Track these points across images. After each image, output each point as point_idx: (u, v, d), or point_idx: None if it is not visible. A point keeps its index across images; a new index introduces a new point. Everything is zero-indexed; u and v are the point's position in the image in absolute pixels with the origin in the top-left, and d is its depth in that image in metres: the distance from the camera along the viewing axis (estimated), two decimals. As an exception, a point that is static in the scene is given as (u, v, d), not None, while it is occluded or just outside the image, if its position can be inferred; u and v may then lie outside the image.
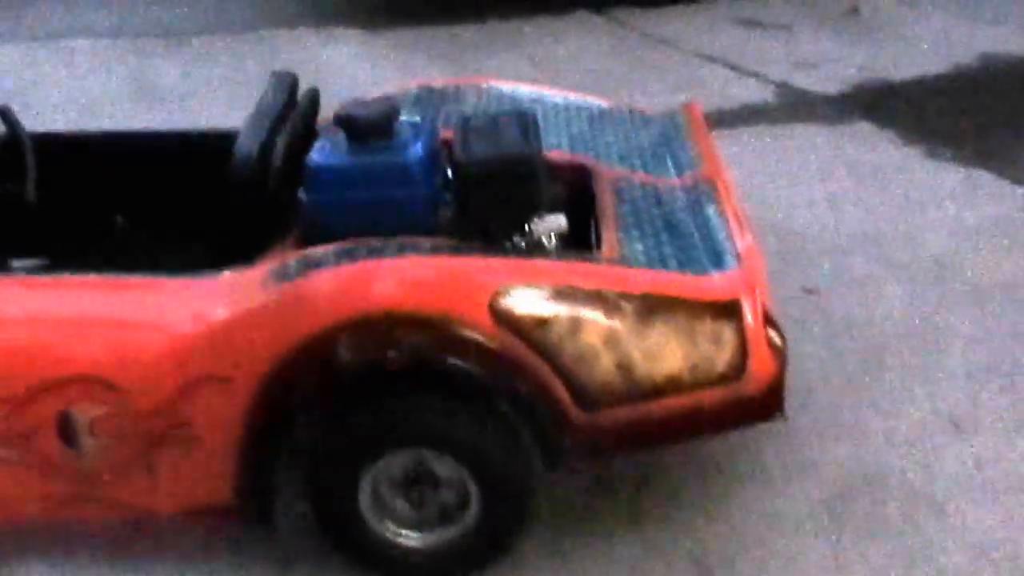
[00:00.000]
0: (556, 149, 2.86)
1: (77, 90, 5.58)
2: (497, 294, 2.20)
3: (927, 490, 2.62)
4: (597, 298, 2.24)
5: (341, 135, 2.44)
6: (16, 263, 2.97)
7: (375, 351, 2.21)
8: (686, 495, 2.65)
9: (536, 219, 2.38)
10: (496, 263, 2.26)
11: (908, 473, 2.68)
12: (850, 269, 3.64)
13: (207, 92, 5.58)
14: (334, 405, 2.29)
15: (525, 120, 2.50)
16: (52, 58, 6.09)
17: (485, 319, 2.19)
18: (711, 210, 2.58)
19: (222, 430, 2.27)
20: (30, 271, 3.06)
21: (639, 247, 2.40)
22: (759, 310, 2.29)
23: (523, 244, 2.37)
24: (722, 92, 5.35)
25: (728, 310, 2.28)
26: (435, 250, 2.27)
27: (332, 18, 6.81)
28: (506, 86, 3.31)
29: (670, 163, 2.87)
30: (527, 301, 2.21)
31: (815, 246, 3.80)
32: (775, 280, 3.55)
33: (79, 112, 5.25)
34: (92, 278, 2.39)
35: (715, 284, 2.31)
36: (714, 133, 4.80)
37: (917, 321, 3.31)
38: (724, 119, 4.98)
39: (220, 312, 2.27)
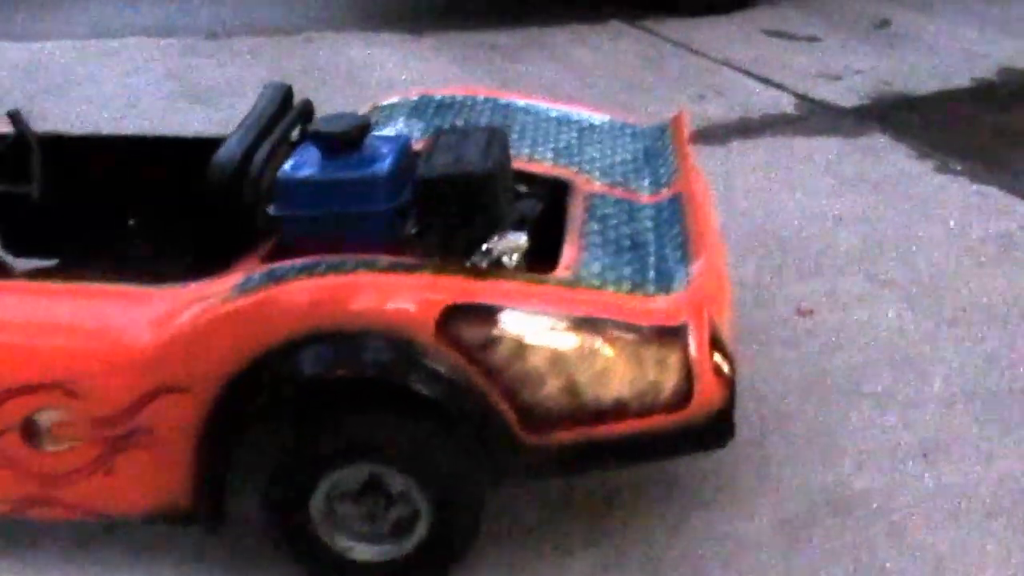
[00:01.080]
0: (540, 162, 2.77)
1: (123, 87, 5.62)
2: (444, 314, 2.12)
3: (888, 514, 2.50)
4: (543, 320, 2.15)
5: (314, 148, 2.37)
6: (23, 264, 2.98)
7: (326, 367, 2.14)
8: (650, 514, 2.55)
9: (496, 236, 2.28)
10: (446, 282, 2.17)
11: (872, 497, 2.55)
12: (846, 287, 3.49)
13: (251, 92, 5.54)
14: (288, 418, 2.23)
15: (494, 136, 2.42)
16: (100, 55, 6.14)
17: (432, 338, 2.11)
18: (675, 229, 2.47)
19: (179, 438, 2.22)
20: (31, 273, 3.06)
21: (596, 266, 2.30)
22: (705, 336, 2.17)
23: (484, 262, 2.27)
24: (744, 101, 5.21)
25: (672, 335, 2.17)
26: (391, 267, 2.19)
27: (377, 22, 6.79)
28: (503, 97, 3.22)
29: (649, 177, 2.76)
30: (474, 322, 2.13)
31: (815, 262, 3.66)
32: (770, 297, 3.46)
33: (123, 109, 5.28)
34: (60, 285, 2.37)
35: (661, 307, 2.20)
36: (732, 143, 4.73)
37: (902, 344, 3.16)
38: (744, 129, 4.87)
39: (181, 323, 2.22)
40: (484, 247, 2.26)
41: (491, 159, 2.30)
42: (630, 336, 2.15)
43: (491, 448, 2.18)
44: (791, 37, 6.18)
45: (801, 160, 4.49)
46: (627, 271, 2.30)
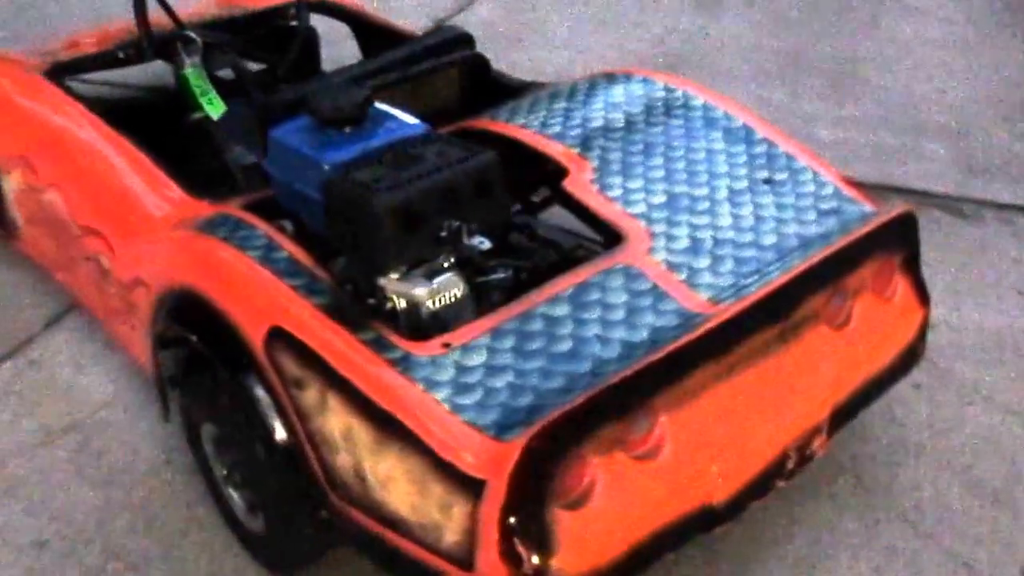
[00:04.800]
0: (630, 204, 2.09)
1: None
2: (272, 332, 1.80)
3: None
4: (346, 389, 1.71)
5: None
6: None
7: (184, 328, 2.01)
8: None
9: (395, 275, 1.81)
10: (291, 303, 1.81)
11: None
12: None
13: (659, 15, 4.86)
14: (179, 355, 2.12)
15: (465, 161, 1.86)
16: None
17: (259, 348, 1.82)
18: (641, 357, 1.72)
19: (144, 327, 2.24)
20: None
21: (475, 359, 1.72)
22: (496, 508, 1.54)
23: (385, 299, 1.83)
24: None
25: (466, 485, 1.58)
26: (275, 262, 1.89)
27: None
28: (713, 101, 2.41)
29: (740, 277, 1.94)
30: (291, 355, 1.78)
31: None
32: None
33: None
34: (137, 152, 2.38)
35: (471, 447, 1.59)
36: None
37: None
38: None
39: (166, 231, 2.20)
40: (379, 282, 1.82)
41: (412, 189, 1.77)
42: (421, 459, 1.63)
43: (300, 487, 1.85)
44: None
45: None
46: (499, 383, 1.68)
